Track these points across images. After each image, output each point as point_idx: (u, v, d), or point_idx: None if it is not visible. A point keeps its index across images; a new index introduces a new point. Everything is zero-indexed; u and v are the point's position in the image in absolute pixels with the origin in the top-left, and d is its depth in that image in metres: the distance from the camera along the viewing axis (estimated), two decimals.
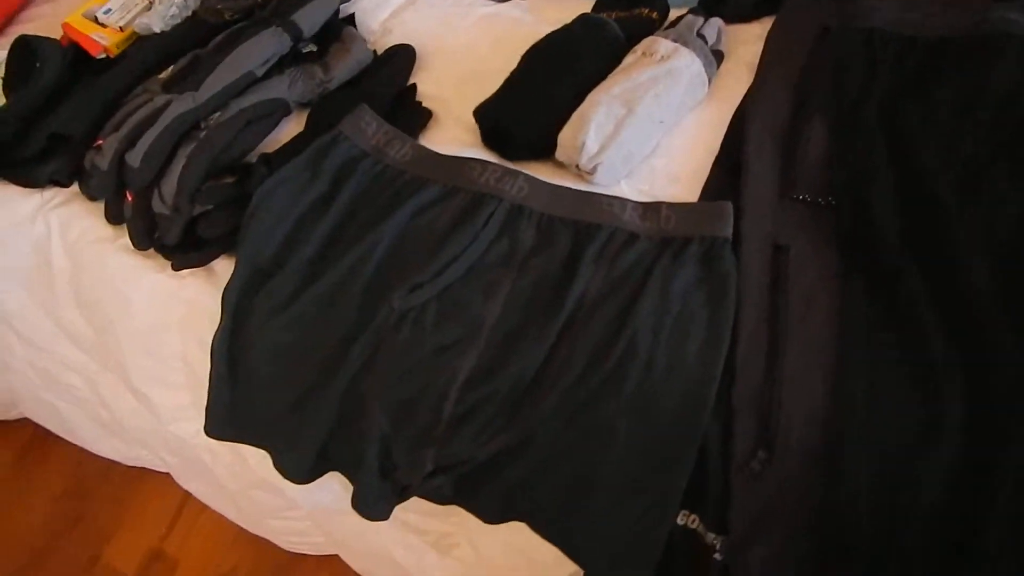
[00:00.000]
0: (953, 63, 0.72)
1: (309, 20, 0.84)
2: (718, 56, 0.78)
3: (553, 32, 0.81)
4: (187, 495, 1.11)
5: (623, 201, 0.70)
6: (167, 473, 1.09)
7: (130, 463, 1.15)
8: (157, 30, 0.88)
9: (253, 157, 0.79)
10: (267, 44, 0.80)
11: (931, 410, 0.57)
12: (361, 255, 0.70)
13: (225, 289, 0.71)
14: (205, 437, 0.74)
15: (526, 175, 0.72)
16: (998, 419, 0.56)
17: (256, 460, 0.80)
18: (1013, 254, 0.63)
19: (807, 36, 0.76)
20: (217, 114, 0.76)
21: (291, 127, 0.84)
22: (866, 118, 0.70)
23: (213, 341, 0.71)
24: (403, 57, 0.86)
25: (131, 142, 0.74)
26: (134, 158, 0.73)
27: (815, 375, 0.60)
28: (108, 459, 1.16)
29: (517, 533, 0.66)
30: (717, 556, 0.59)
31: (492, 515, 0.67)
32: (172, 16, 0.88)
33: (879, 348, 0.60)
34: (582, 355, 0.63)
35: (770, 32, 0.79)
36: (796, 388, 0.60)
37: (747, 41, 0.81)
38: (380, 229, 0.71)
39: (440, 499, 0.68)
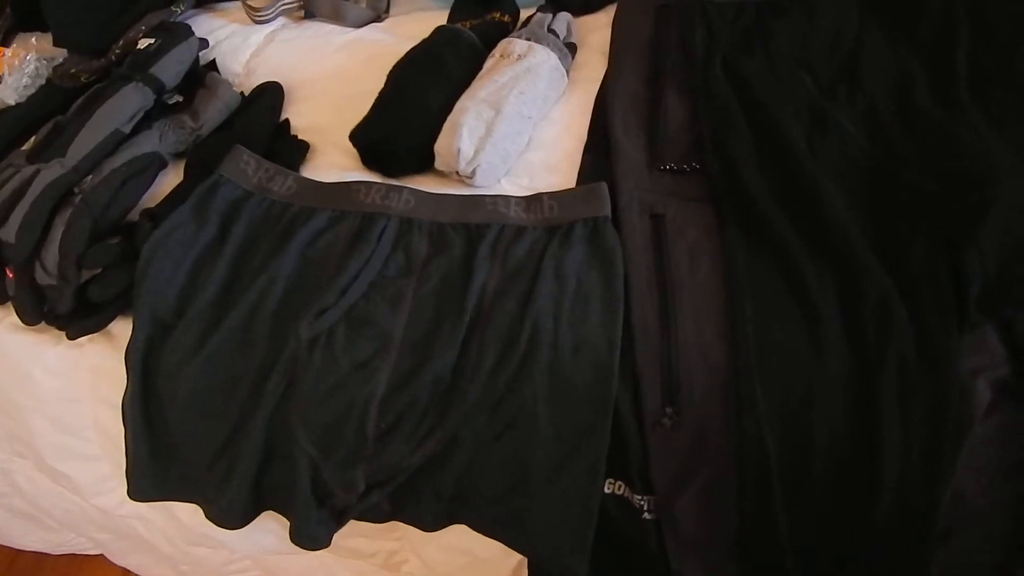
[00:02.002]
0: (780, 18, 0.78)
1: (169, 71, 0.83)
2: (571, 48, 0.82)
3: (413, 47, 0.83)
4: (125, 572, 1.08)
5: (506, 198, 0.73)
6: (100, 554, 1.06)
7: (61, 551, 1.11)
8: (12, 102, 0.86)
9: (135, 215, 0.79)
10: (130, 100, 0.80)
11: (813, 331, 0.62)
12: (262, 291, 0.70)
13: (127, 349, 0.70)
14: (132, 505, 0.72)
15: (410, 189, 0.75)
16: (872, 328, 0.61)
17: (189, 516, 0.79)
18: (861, 179, 0.69)
19: (648, 15, 0.82)
20: (90, 177, 0.75)
21: (170, 179, 0.83)
22: (715, 81, 0.76)
23: (123, 403, 0.70)
24: (271, 94, 0.87)
25: (2, 217, 0.72)
26: (8, 233, 0.71)
27: (707, 324, 0.64)
28: (37, 551, 1.11)
29: (460, 535, 0.68)
30: (647, 516, 0.62)
31: (433, 522, 0.69)
32: (25, 87, 0.87)
33: (762, 286, 0.65)
34: (492, 348, 0.65)
35: (615, 17, 0.84)
36: (691, 340, 0.64)
37: (596, 29, 0.86)
38: (276, 263, 0.71)
39: (379, 517, 0.69)
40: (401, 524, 0.69)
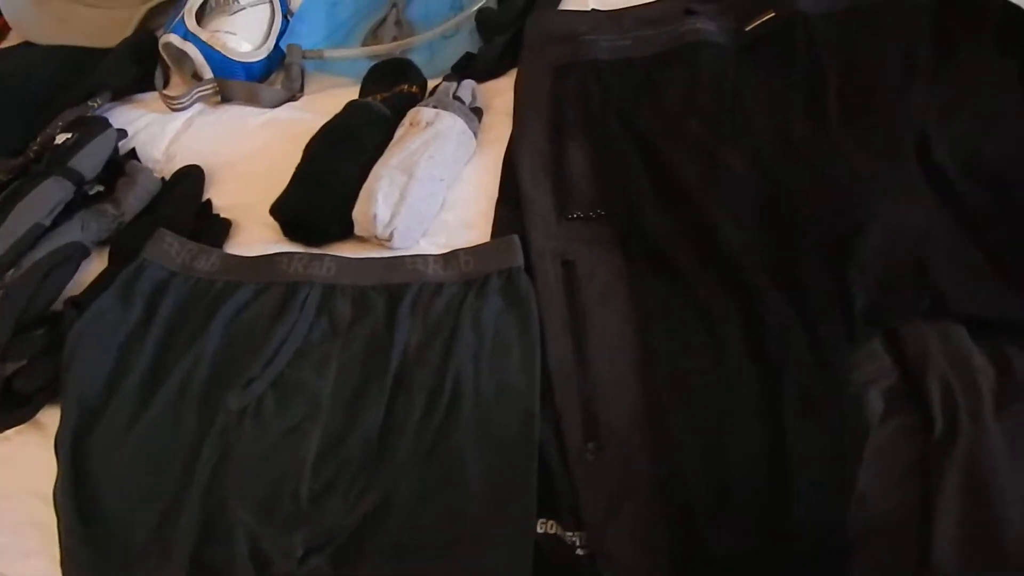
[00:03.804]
0: (667, 71, 0.85)
1: (87, 163, 0.85)
2: (477, 112, 0.87)
3: (327, 122, 0.87)
4: None
5: (425, 257, 0.76)
6: None
7: None
8: None
9: (59, 304, 0.80)
10: (49, 194, 0.81)
11: (721, 360, 0.66)
12: (189, 367, 0.72)
13: (56, 437, 0.70)
14: None
15: (332, 256, 0.77)
16: (774, 353, 0.65)
17: None
18: (751, 212, 0.74)
19: (547, 76, 0.87)
20: (11, 271, 0.76)
21: (95, 267, 0.85)
22: (612, 132, 0.81)
23: (55, 493, 0.70)
24: (192, 177, 0.89)
25: None
26: None
27: (621, 360, 0.68)
28: None
29: None
30: (580, 551, 0.64)
31: None
32: None
33: (670, 321, 0.69)
34: (417, 403, 0.68)
35: (516, 80, 0.89)
36: (606, 376, 0.67)
37: (500, 92, 0.91)
38: (202, 338, 0.73)
39: None
40: None
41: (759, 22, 0.87)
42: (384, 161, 0.80)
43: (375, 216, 0.77)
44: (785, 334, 0.65)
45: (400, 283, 0.74)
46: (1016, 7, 0.86)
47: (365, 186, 0.79)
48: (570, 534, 0.65)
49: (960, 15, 0.85)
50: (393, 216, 0.77)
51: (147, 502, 0.69)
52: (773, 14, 0.86)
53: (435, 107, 0.83)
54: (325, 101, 0.96)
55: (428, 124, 0.82)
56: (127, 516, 0.70)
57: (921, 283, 0.67)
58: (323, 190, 0.81)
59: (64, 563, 0.71)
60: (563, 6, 0.99)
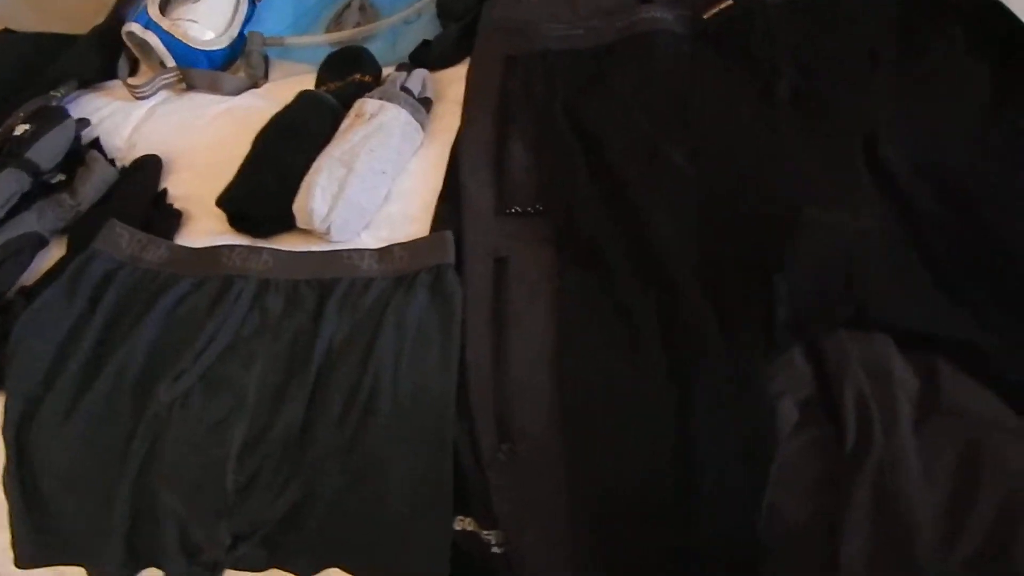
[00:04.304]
0: (617, 62, 0.82)
1: (45, 153, 0.87)
2: (426, 103, 0.86)
3: (277, 113, 0.87)
4: None
5: (361, 252, 0.76)
6: None
7: None
8: None
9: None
10: (5, 185, 0.83)
11: (637, 362, 0.65)
12: (125, 358, 0.73)
13: (2, 424, 0.73)
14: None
15: (270, 250, 0.78)
16: (687, 355, 0.64)
17: None
18: (689, 209, 0.72)
19: (498, 65, 0.85)
20: None
21: (53, 254, 0.86)
22: (556, 125, 0.79)
23: (2, 477, 0.72)
24: (147, 167, 0.90)
25: None
26: None
27: (538, 362, 0.67)
28: None
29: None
30: (496, 550, 0.64)
31: (307, 568, 0.70)
32: None
33: (593, 323, 0.68)
34: (338, 398, 0.68)
35: (468, 69, 0.88)
36: (523, 378, 0.67)
37: (455, 81, 0.89)
38: (139, 330, 0.74)
39: (257, 566, 0.71)
40: None
41: (716, 10, 0.84)
42: (327, 153, 0.80)
43: (312, 210, 0.77)
44: (702, 339, 0.64)
45: (332, 278, 0.75)
46: (991, 1, 0.81)
47: (306, 178, 0.79)
48: (486, 532, 0.65)
49: (930, 7, 0.82)
50: (331, 210, 0.77)
51: (85, 488, 0.71)
52: (731, 2, 0.84)
53: (380, 98, 0.83)
54: (286, 89, 0.95)
55: (372, 116, 0.81)
56: (67, 501, 0.72)
57: (847, 293, 0.65)
58: (267, 182, 0.81)
59: (14, 544, 0.74)
60: None
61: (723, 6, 0.84)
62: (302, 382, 0.69)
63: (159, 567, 0.72)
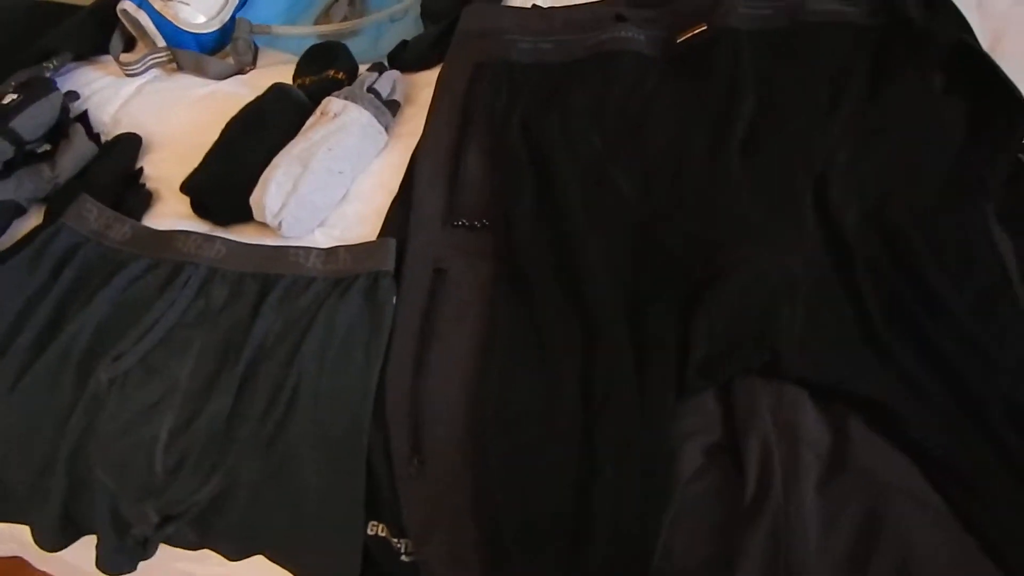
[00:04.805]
0: (580, 80, 0.82)
1: (28, 124, 0.90)
2: (393, 106, 0.87)
3: (247, 104, 0.89)
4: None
5: (308, 250, 0.78)
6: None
7: None
8: None
9: None
10: None
11: (551, 388, 0.65)
12: (74, 333, 0.76)
13: None
14: None
15: (224, 239, 0.80)
16: (599, 387, 0.64)
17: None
18: (626, 237, 0.72)
19: (464, 74, 0.86)
20: None
21: (30, 223, 0.90)
22: (510, 139, 0.80)
23: None
24: (124, 145, 0.93)
25: None
26: None
27: (456, 378, 0.68)
28: None
29: None
30: (404, 558, 0.65)
31: (234, 552, 0.73)
32: None
33: (514, 342, 0.68)
34: (263, 395, 0.70)
35: (439, 74, 0.88)
36: (438, 392, 0.68)
37: (428, 85, 0.90)
38: (91, 306, 0.77)
39: (188, 545, 0.74)
40: None
41: (690, 35, 0.83)
42: (287, 150, 0.82)
43: (265, 205, 0.79)
44: (614, 373, 0.64)
45: (277, 273, 0.77)
46: (967, 44, 0.79)
47: (264, 174, 0.81)
48: (395, 540, 0.66)
49: (905, 46, 0.80)
50: (283, 206, 0.79)
51: (27, 456, 0.74)
52: (704, 27, 0.83)
53: (345, 98, 0.84)
54: (271, 77, 0.97)
55: (335, 115, 0.83)
56: (11, 466, 0.76)
57: (762, 340, 0.64)
58: (228, 173, 0.84)
59: None
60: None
61: (697, 31, 0.83)
62: (231, 374, 0.71)
63: (95, 535, 0.76)
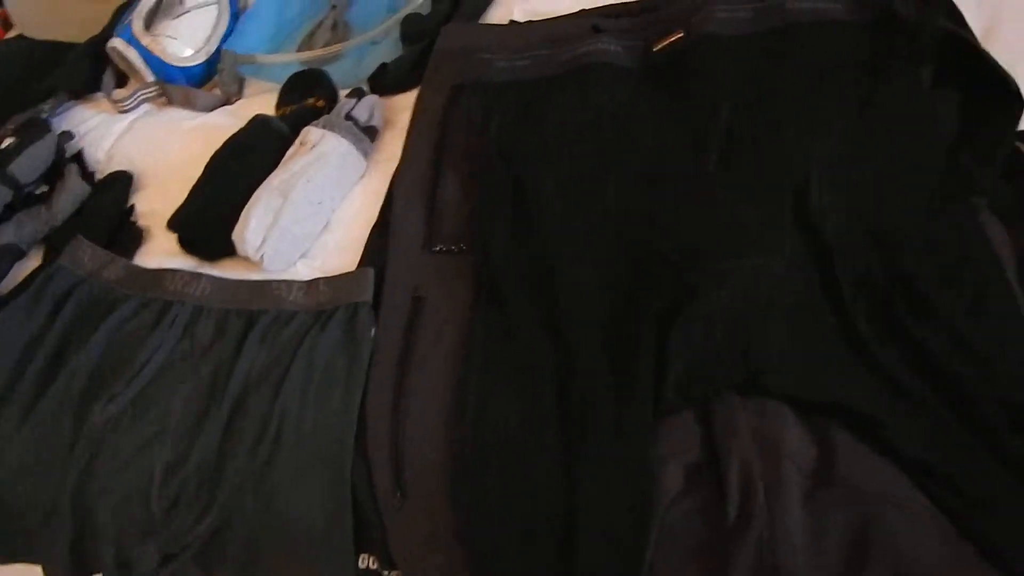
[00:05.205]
0: (557, 95, 0.81)
1: (26, 168, 0.93)
2: (371, 132, 0.87)
3: (230, 137, 0.89)
4: None
5: (290, 283, 0.79)
6: None
7: None
8: None
9: None
10: None
11: (531, 414, 0.65)
12: (70, 375, 0.78)
13: None
14: None
15: (209, 276, 0.81)
16: (577, 410, 0.64)
17: None
18: (612, 252, 0.71)
19: (441, 96, 0.85)
20: None
21: (32, 263, 0.92)
22: (488, 160, 0.79)
23: None
24: (116, 183, 0.95)
25: None
26: None
27: (436, 408, 0.68)
28: None
29: None
30: None
31: None
32: None
33: (494, 369, 0.68)
34: (250, 431, 0.71)
35: (416, 97, 0.88)
36: (419, 422, 0.67)
37: (408, 107, 0.89)
38: (86, 348, 0.79)
39: None
40: None
41: (667, 42, 0.81)
42: (268, 183, 0.82)
43: (246, 240, 0.79)
44: (593, 398, 0.64)
45: (259, 309, 0.77)
46: (960, 36, 0.76)
47: (245, 208, 0.81)
48: (386, 572, 0.67)
49: (892, 41, 0.77)
50: (264, 241, 0.79)
51: (35, 495, 0.76)
52: (682, 35, 0.81)
53: (324, 127, 0.84)
54: (257, 106, 0.98)
55: (314, 145, 0.83)
56: (22, 504, 0.78)
57: (742, 357, 0.63)
58: (211, 209, 0.84)
59: None
60: (489, 14, 0.96)
61: (673, 38, 0.81)
62: (219, 411, 0.72)
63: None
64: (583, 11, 0.90)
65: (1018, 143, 0.75)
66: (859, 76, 0.77)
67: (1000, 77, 0.74)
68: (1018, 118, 0.73)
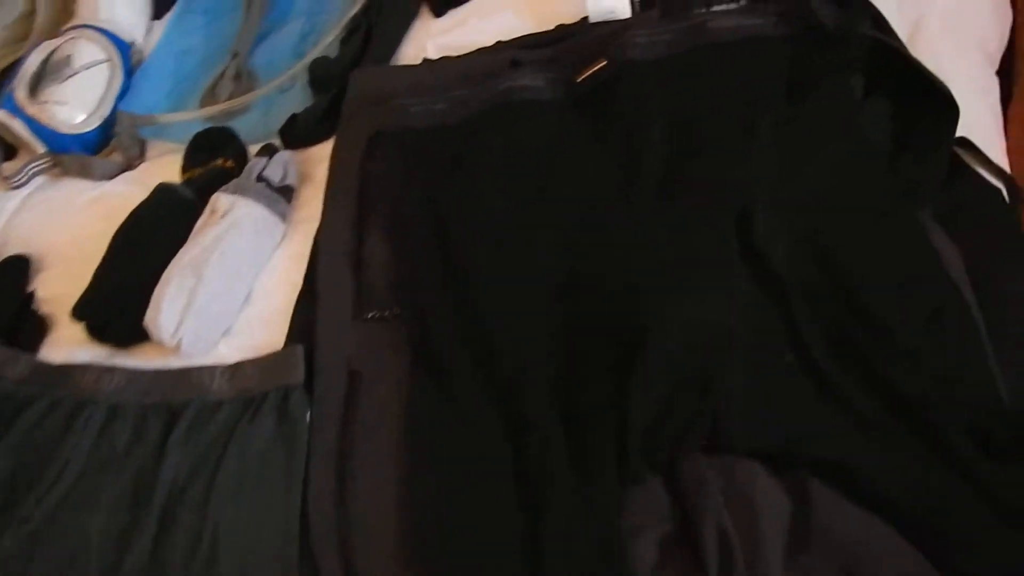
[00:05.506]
0: (479, 139, 0.76)
1: None
2: (287, 192, 0.81)
3: (134, 208, 0.82)
4: None
5: (212, 369, 0.72)
6: None
7: None
8: None
9: None
10: None
11: (485, 495, 0.61)
12: None
13: None
14: None
15: (123, 369, 0.74)
16: (534, 484, 0.59)
17: None
18: (549, 306, 0.67)
19: (359, 147, 0.79)
20: None
21: None
22: (411, 215, 0.74)
23: None
24: (14, 268, 0.86)
25: None
26: None
27: (385, 496, 0.62)
28: None
29: None
30: None
31: None
32: None
33: (442, 448, 0.63)
34: (183, 543, 0.65)
35: (332, 150, 0.82)
36: (368, 513, 0.62)
37: (323, 160, 0.83)
38: None
39: None
40: None
41: (589, 73, 0.77)
42: (177, 259, 0.76)
43: (160, 326, 0.73)
44: (550, 464, 0.60)
45: (181, 401, 0.71)
46: (884, 43, 0.74)
47: (156, 290, 0.74)
48: None
49: (818, 53, 0.75)
50: (179, 325, 0.73)
51: None
52: (604, 63, 0.77)
53: (234, 192, 0.78)
54: (162, 170, 0.91)
55: (225, 213, 0.77)
56: None
57: (701, 409, 0.59)
58: (119, 293, 0.77)
59: None
60: (400, 52, 0.91)
61: (596, 68, 0.77)
62: (146, 524, 0.66)
63: None
64: (499, 43, 0.85)
65: (956, 148, 0.74)
66: (788, 93, 0.74)
67: (929, 81, 0.73)
68: (955, 123, 0.72)
